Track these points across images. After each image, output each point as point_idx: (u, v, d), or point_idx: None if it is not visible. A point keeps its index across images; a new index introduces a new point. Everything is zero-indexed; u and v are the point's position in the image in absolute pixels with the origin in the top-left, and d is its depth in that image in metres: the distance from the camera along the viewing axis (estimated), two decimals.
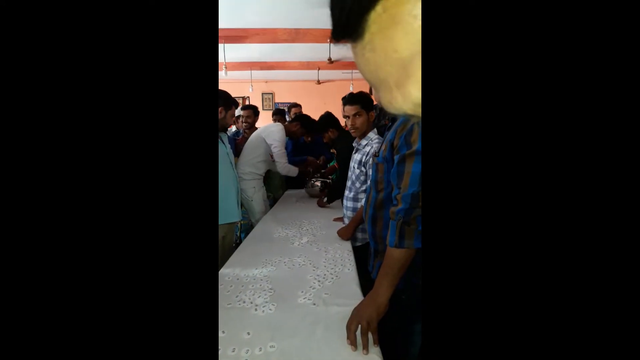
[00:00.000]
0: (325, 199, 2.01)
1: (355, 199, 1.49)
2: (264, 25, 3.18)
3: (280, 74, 5.35)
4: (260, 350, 0.72)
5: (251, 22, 3.13)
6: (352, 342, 0.72)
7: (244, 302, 0.93)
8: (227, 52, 3.68)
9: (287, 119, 2.88)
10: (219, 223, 1.62)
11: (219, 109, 1.59)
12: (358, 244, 1.44)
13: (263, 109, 5.70)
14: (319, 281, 1.04)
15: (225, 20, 3.03)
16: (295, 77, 5.63)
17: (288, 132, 2.20)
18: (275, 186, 2.58)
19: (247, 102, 5.65)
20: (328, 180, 2.29)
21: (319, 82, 5.50)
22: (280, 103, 5.75)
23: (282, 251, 1.31)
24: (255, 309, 0.89)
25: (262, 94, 6.16)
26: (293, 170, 2.16)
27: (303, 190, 2.38)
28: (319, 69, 4.84)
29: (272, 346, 0.73)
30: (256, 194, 2.08)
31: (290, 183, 2.57)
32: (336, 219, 1.70)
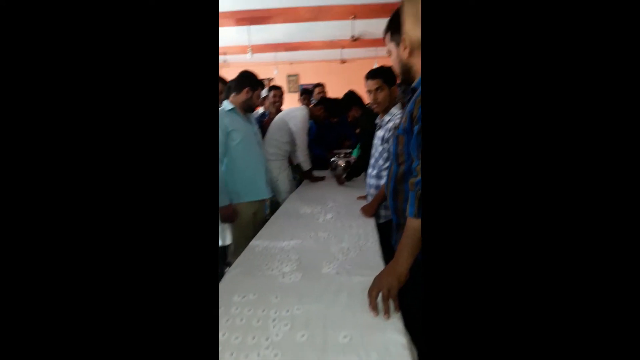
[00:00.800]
0: (344, 176, 2.04)
1: (378, 177, 1.50)
2: (286, 4, 3.16)
3: (305, 54, 5.31)
4: (287, 312, 0.78)
5: (273, 3, 3.11)
6: (374, 308, 0.76)
7: (272, 270, 0.99)
8: (251, 35, 3.69)
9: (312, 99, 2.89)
10: (250, 200, 1.69)
11: (246, 89, 1.63)
12: (382, 220, 1.46)
13: (289, 92, 5.71)
14: (342, 253, 1.08)
15: (248, 1, 3.04)
16: (320, 57, 5.56)
17: (312, 116, 2.22)
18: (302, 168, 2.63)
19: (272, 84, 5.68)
20: (351, 160, 2.30)
21: (343, 62, 5.39)
22: (305, 85, 5.74)
23: (308, 226, 1.36)
24: (283, 277, 0.95)
25: (287, 75, 6.15)
26: (308, 163, 2.19)
27: (327, 171, 2.42)
28: (342, 48, 4.74)
29: (298, 309, 0.78)
30: (281, 174, 2.13)
31: (315, 164, 2.61)
32: (360, 197, 1.72)
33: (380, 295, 0.77)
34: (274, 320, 0.75)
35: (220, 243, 1.74)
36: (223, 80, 1.97)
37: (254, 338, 0.69)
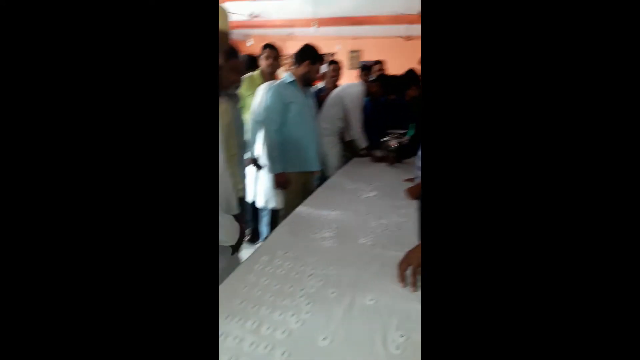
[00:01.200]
0: (395, 157, 2.02)
1: None
2: None
3: (369, 30, 5.15)
4: (322, 271, 0.86)
5: None
6: (402, 279, 0.81)
7: (313, 234, 1.08)
8: (317, 7, 3.69)
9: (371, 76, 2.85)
10: (301, 170, 1.79)
11: (306, 62, 1.68)
12: None
13: (349, 68, 5.63)
14: (380, 228, 1.13)
15: None
16: (384, 33, 5.34)
17: (368, 93, 2.20)
18: (353, 146, 2.65)
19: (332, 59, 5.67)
20: (404, 141, 2.26)
21: (408, 39, 5.12)
22: (365, 62, 5.60)
23: (351, 200, 1.42)
24: (322, 241, 1.03)
25: (350, 51, 6.04)
26: (363, 141, 2.20)
27: (378, 151, 2.41)
28: (409, 24, 4.49)
29: (332, 270, 0.86)
30: (332, 149, 2.19)
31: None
32: (406, 180, 1.72)
33: (410, 269, 0.81)
34: (309, 275, 0.84)
35: (274, 206, 1.89)
36: (274, 47, 2.07)
37: (290, 287, 0.79)
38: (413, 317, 0.69)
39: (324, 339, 0.63)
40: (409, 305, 0.73)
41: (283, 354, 0.59)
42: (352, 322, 0.68)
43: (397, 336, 0.64)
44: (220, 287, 0.78)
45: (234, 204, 0.94)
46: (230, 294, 0.75)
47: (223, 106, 1.13)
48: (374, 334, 0.65)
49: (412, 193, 1.45)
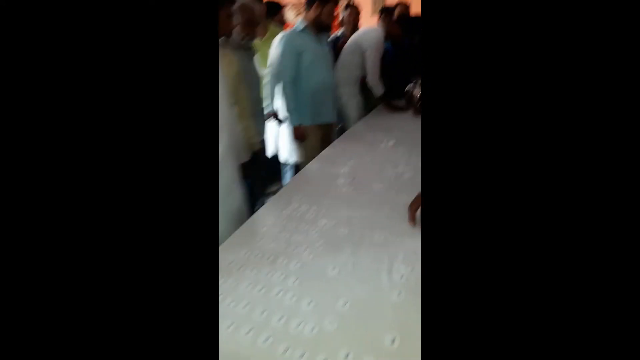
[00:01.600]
0: (420, 106, 1.93)
1: None
2: None
3: None
4: (336, 213, 0.91)
5: None
6: (412, 219, 0.83)
7: (328, 181, 1.12)
8: None
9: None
10: (316, 123, 1.78)
11: (315, 4, 1.57)
12: None
13: (373, 13, 5.22)
14: (396, 176, 1.14)
15: None
16: None
17: (388, 36, 2.06)
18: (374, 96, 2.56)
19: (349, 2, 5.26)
20: None
21: None
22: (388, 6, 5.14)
23: (368, 150, 1.42)
24: (336, 188, 1.07)
25: None
26: (379, 89, 2.08)
27: (402, 101, 2.31)
28: None
29: (344, 212, 0.91)
30: (350, 100, 2.12)
31: (391, 92, 2.50)
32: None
33: (420, 210, 0.83)
34: (323, 217, 0.89)
35: (295, 160, 1.93)
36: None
37: (305, 226, 0.85)
38: (420, 252, 0.72)
39: (333, 268, 0.69)
40: (417, 242, 0.75)
41: (295, 281, 0.66)
42: (361, 255, 0.73)
43: (402, 267, 0.69)
44: (240, 229, 0.85)
45: (243, 152, 0.97)
46: (250, 234, 0.82)
47: (228, 57, 1.11)
48: (380, 265, 0.69)
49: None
